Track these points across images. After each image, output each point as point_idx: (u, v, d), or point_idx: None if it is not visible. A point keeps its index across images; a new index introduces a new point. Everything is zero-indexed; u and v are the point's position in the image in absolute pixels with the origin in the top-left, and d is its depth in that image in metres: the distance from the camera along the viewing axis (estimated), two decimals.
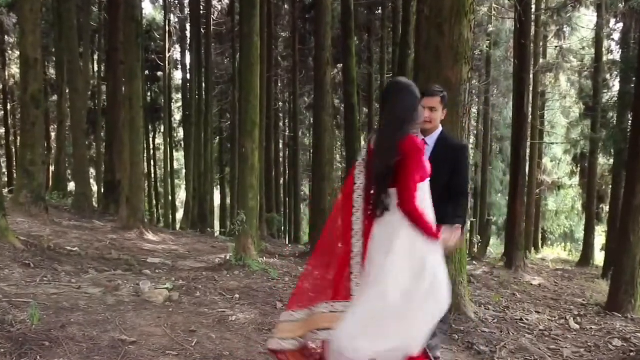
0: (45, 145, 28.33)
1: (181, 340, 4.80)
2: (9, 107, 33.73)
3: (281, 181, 33.67)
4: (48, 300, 5.68)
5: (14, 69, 31.43)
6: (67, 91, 19.69)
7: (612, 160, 16.99)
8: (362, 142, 25.34)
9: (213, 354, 4.56)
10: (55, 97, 25.69)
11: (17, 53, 25.21)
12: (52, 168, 25.47)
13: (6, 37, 30.93)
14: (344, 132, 17.78)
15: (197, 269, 8.98)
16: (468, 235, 10.88)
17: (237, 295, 6.77)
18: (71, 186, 23.51)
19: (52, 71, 29.18)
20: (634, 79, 10.66)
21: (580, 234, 28.75)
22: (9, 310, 5.05)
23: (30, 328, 4.58)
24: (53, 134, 28.05)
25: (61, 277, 6.98)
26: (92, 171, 27.41)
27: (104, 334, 4.73)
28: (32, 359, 4.02)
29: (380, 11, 25.55)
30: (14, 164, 30.44)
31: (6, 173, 29.74)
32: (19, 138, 28.30)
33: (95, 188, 26.87)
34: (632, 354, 5.67)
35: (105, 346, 4.44)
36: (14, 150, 32.25)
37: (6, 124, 32.88)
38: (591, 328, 6.90)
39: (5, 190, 10.90)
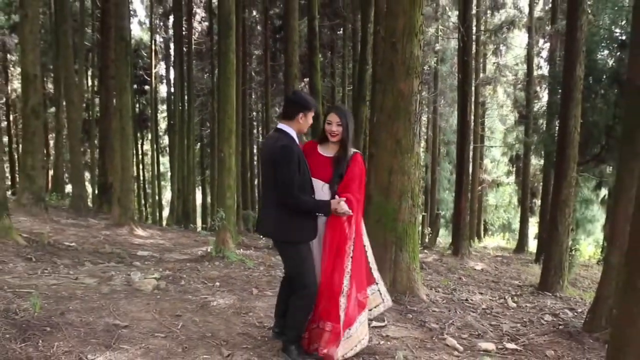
0: (45, 152, 27.91)
1: (168, 324, 4.76)
2: (11, 118, 33.22)
3: (255, 182, 33.56)
4: (48, 290, 5.58)
5: (16, 84, 30.95)
6: (64, 103, 19.40)
7: (542, 161, 17.24)
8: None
9: (197, 335, 4.53)
10: (53, 109, 25.31)
11: (19, 70, 24.80)
12: (51, 172, 25.05)
13: (8, 55, 30.48)
14: (310, 139, 17.75)
15: (181, 261, 8.91)
16: (419, 227, 11.01)
17: (218, 283, 6.73)
18: (68, 188, 23.16)
19: (50, 86, 28.74)
20: (560, 91, 10.82)
21: (516, 225, 29.11)
22: (13, 299, 4.96)
23: (33, 315, 4.50)
24: (52, 142, 27.61)
25: (60, 269, 6.87)
26: (87, 175, 27.05)
27: (99, 319, 4.67)
28: (35, 343, 3.95)
29: (341, 32, 25.61)
30: (17, 169, 29.93)
31: (9, 177, 29.20)
32: (20, 146, 27.82)
33: (90, 190, 26.50)
34: (560, 327, 5.76)
35: (100, 330, 4.39)
36: (16, 156, 31.72)
37: (9, 133, 32.35)
38: (526, 306, 7.00)
39: (9, 193, 10.71)
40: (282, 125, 4.07)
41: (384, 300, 4.52)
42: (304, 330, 4.22)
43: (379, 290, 4.49)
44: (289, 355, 4.11)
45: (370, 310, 4.43)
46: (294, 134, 4.05)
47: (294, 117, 4.04)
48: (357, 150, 4.25)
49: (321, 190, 4.11)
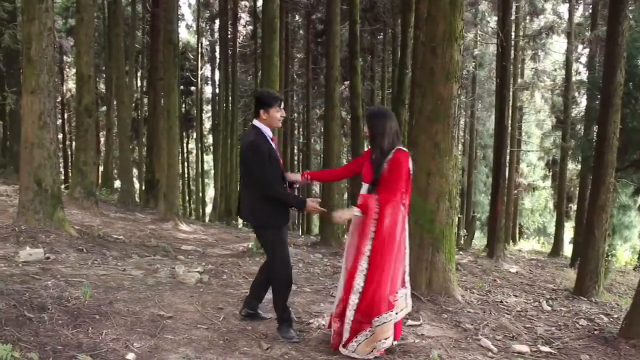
0: (96, 148, 28.57)
1: (210, 316, 4.81)
2: (65, 116, 34.08)
3: None
4: (98, 280, 5.71)
5: (71, 84, 31.77)
6: (115, 103, 19.83)
7: (579, 166, 16.86)
8: (366, 149, 25.39)
9: (237, 328, 4.57)
10: (104, 108, 25.91)
11: (74, 71, 25.44)
12: (101, 168, 25.61)
13: (64, 57, 31.24)
14: (350, 140, 17.74)
15: (223, 256, 9.00)
16: (456, 229, 10.88)
17: None
18: (117, 184, 23.64)
19: (102, 86, 29.42)
20: (598, 96, 10.56)
21: (551, 229, 28.57)
22: (66, 288, 5.08)
23: (84, 303, 4.61)
24: (102, 139, 28.22)
25: (109, 260, 7.01)
26: (135, 171, 27.57)
27: (145, 309, 4.75)
28: (85, 330, 4.04)
29: (381, 36, 25.54)
30: (70, 164, 30.70)
31: (63, 172, 29.94)
32: (74, 142, 28.51)
33: (137, 185, 27.01)
34: (595, 332, 5.63)
35: (146, 320, 4.46)
36: (69, 152, 32.57)
37: (63, 131, 33.23)
38: (561, 310, 6.85)
39: (62, 187, 10.98)
40: (255, 121, 4.33)
41: (407, 305, 4.40)
42: (287, 309, 4.46)
43: (405, 295, 4.36)
44: (280, 333, 4.44)
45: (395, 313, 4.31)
46: (264, 128, 4.29)
47: (258, 114, 4.30)
48: (400, 148, 4.14)
49: (365, 191, 4.20)
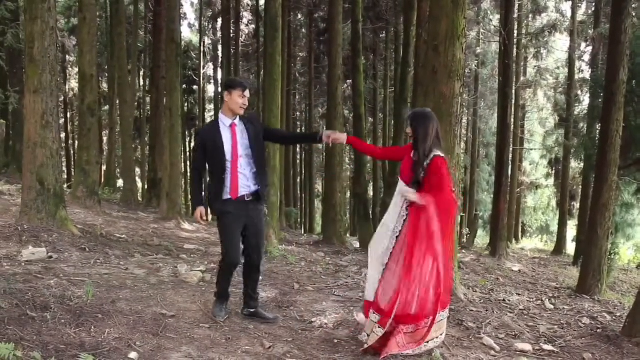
0: (99, 147, 28.55)
1: (213, 315, 4.81)
2: (68, 115, 34.12)
3: (298, 180, 33.70)
4: (100, 279, 5.71)
5: (73, 83, 31.79)
6: (117, 102, 19.83)
7: (582, 164, 16.79)
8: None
9: (240, 327, 4.57)
10: (107, 107, 25.88)
11: (76, 70, 25.49)
12: (104, 167, 25.62)
13: (67, 56, 31.28)
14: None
15: None
16: (458, 227, 10.80)
17: (261, 277, 6.75)
18: (120, 183, 23.67)
19: (105, 85, 29.41)
20: (601, 94, 10.54)
21: (554, 228, 28.50)
22: (69, 287, 5.09)
23: (86, 302, 4.61)
24: (105, 139, 28.21)
25: (111, 259, 7.01)
26: (138, 170, 27.62)
27: (147, 308, 4.75)
28: (88, 329, 4.05)
29: (384, 35, 25.51)
30: (72, 163, 30.76)
31: (66, 171, 29.98)
32: (76, 142, 28.60)
33: (140, 184, 27.02)
34: (598, 330, 5.61)
35: (148, 319, 4.46)
36: (72, 152, 32.61)
37: (66, 130, 33.27)
38: (564, 308, 6.84)
39: (65, 186, 10.96)
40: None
41: (444, 333, 4.35)
42: (225, 289, 4.81)
43: (447, 318, 4.36)
44: (213, 307, 4.85)
45: (428, 341, 4.17)
46: (222, 117, 4.48)
47: (222, 98, 4.45)
48: (438, 154, 4.11)
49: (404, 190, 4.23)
